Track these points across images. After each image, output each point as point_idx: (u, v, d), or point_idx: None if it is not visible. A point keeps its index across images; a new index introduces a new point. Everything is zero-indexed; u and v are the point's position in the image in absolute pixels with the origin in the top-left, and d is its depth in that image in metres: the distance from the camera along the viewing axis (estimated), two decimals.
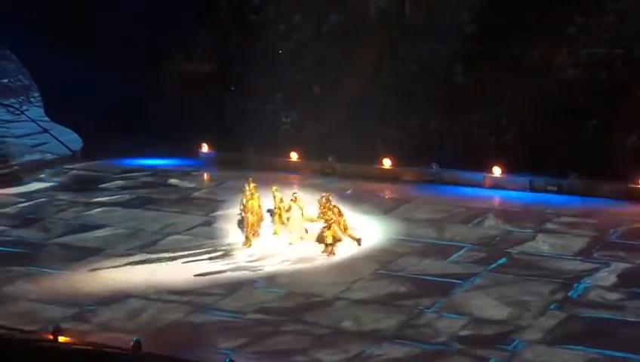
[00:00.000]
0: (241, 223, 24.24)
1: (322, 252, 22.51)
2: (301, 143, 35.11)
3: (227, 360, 13.30)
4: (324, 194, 23.69)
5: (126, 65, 36.10)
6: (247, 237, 23.39)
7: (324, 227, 22.74)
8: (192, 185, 31.99)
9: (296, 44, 39.55)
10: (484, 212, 26.70)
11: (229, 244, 23.57)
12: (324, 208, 22.91)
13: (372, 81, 37.06)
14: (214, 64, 39.75)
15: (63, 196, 29.77)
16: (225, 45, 39.08)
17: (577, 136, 32.05)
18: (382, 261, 21.94)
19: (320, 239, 22.87)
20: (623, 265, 21.45)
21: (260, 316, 18.40)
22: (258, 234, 23.71)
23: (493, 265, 21.60)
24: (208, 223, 25.86)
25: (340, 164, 33.41)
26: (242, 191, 24.38)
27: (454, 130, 33.91)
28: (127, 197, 29.72)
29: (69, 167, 34.89)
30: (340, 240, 22.70)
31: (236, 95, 38.26)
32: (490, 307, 18.82)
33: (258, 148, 35.12)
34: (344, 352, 16.41)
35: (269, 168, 34.07)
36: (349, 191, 28.48)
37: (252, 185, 24.35)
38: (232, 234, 24.40)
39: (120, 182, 32.11)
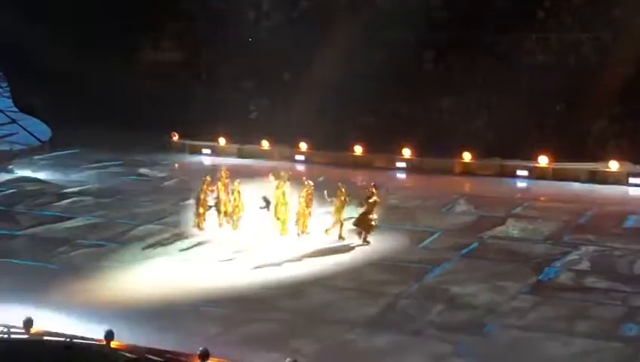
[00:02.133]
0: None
1: (364, 241, 21.99)
2: (272, 130, 35.07)
3: (200, 349, 13.23)
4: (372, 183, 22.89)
5: (94, 55, 35.93)
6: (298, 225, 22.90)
7: (367, 214, 22.02)
8: (162, 174, 31.83)
9: (266, 31, 39.49)
10: (456, 197, 26.80)
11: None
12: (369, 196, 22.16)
13: (343, 68, 37.01)
14: (183, 52, 39.61)
15: (32, 187, 29.48)
16: (194, 33, 38.94)
17: (547, 121, 32.30)
18: (357, 248, 21.95)
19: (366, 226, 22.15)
20: (592, 248, 21.63)
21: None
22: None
23: (466, 250, 21.70)
24: (179, 212, 25.73)
25: (312, 151, 33.40)
26: (203, 181, 23.97)
27: (425, 116, 34.02)
28: (96, 187, 29.51)
29: (38, 157, 34.59)
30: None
31: (206, 83, 38.16)
32: (463, 292, 18.88)
33: (229, 136, 35.07)
34: (319, 341, 16.41)
35: (240, 156, 34.13)
36: (321, 178, 28.36)
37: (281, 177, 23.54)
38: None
39: (90, 172, 31.89)
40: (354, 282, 19.62)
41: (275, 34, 38.54)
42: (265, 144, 34.37)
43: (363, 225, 21.95)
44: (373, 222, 21.96)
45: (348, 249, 21.82)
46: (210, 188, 23.75)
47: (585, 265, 20.51)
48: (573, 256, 21.06)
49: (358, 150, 32.81)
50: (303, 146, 33.52)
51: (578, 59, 34.09)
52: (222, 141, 35.10)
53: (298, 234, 22.67)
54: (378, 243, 22.08)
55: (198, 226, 23.63)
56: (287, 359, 12.46)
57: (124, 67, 37.01)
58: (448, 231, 23.32)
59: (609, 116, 31.57)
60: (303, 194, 22.64)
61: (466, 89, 34.27)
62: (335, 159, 32.65)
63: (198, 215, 23.73)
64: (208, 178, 23.93)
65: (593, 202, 26.34)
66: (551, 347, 16.14)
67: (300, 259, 21.25)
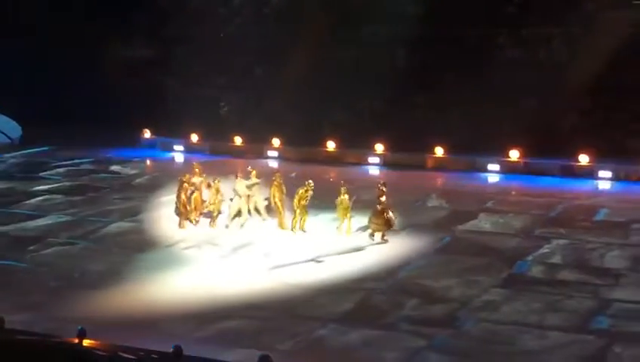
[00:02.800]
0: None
1: (383, 239, 21.68)
2: (245, 127, 34.99)
3: (173, 346, 13.16)
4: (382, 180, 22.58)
5: (65, 51, 35.65)
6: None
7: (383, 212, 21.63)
8: (134, 171, 31.67)
9: (237, 27, 39.34)
10: (428, 192, 26.89)
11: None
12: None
13: (315, 64, 37.02)
14: (154, 48, 39.36)
15: (1, 185, 29.22)
16: (165, 29, 38.70)
17: (519, 116, 32.47)
18: (329, 244, 21.95)
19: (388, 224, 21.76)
20: (563, 242, 21.79)
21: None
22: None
23: (439, 245, 21.77)
24: (151, 209, 25.62)
25: (285, 147, 33.35)
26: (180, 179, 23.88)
27: (398, 111, 34.07)
28: (68, 185, 29.30)
29: (8, 155, 34.27)
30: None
31: (178, 79, 37.97)
32: (436, 286, 18.96)
33: (201, 132, 34.96)
34: (292, 336, 16.40)
35: (212, 152, 34.03)
36: (293, 174, 28.37)
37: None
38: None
39: (60, 170, 31.65)
40: (325, 279, 19.61)
41: (246, 30, 38.41)
42: (237, 140, 34.27)
43: (383, 224, 21.53)
44: (392, 221, 21.61)
45: (318, 245, 21.82)
46: (189, 186, 23.52)
47: (556, 259, 20.67)
48: (544, 250, 21.21)
49: (331, 146, 32.83)
50: (276, 142, 33.47)
51: (549, 54, 34.29)
52: (194, 138, 34.97)
53: (293, 231, 22.66)
54: (350, 239, 22.11)
55: (179, 225, 23.44)
56: (259, 353, 12.42)
57: (94, 64, 36.77)
58: (421, 225, 23.40)
59: (580, 110, 31.78)
60: (300, 191, 22.48)
61: (437, 84, 34.34)
62: (308, 155, 32.67)
63: (180, 213, 23.52)
64: (187, 176, 23.75)
65: (564, 196, 26.56)
66: (524, 340, 16.23)
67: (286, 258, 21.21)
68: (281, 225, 23.04)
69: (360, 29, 36.37)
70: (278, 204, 23.11)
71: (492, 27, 35.94)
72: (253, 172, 23.75)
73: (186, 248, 21.86)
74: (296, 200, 22.56)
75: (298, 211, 22.58)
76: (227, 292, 18.79)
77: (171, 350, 13.15)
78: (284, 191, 23.27)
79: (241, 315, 17.45)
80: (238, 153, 33.75)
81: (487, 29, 35.85)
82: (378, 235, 21.79)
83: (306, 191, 22.45)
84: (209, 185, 23.72)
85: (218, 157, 33.01)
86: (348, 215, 22.22)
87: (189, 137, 34.97)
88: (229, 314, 17.48)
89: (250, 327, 16.81)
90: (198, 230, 23.17)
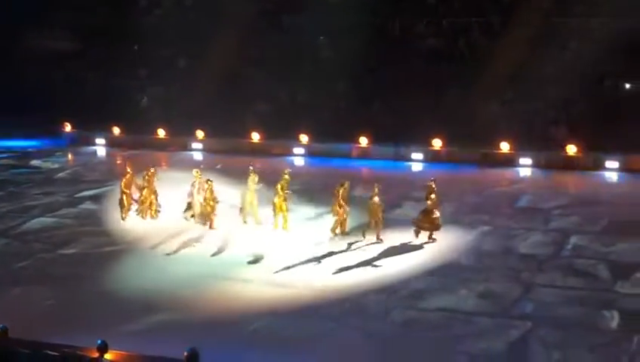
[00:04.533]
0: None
1: (429, 239, 21.03)
2: (168, 119, 34.62)
3: (99, 341, 12.97)
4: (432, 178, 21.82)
5: None
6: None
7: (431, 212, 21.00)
8: (55, 165, 31.04)
9: (158, 18, 38.89)
10: (354, 182, 26.83)
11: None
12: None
13: (239, 55, 36.83)
14: (76, 40, 38.65)
15: None
16: (86, 21, 38.05)
17: (440, 105, 32.84)
18: (260, 232, 21.97)
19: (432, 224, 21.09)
20: (487, 228, 22.16)
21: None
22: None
23: (361, 236, 21.67)
24: (74, 204, 25.20)
25: (209, 139, 33.05)
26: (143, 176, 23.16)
27: (322, 102, 34.12)
28: None
29: None
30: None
31: (98, 71, 37.38)
32: (359, 271, 19.24)
33: (123, 125, 34.38)
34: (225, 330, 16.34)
35: (134, 146, 33.44)
36: (218, 166, 28.22)
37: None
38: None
39: None
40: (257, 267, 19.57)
41: (168, 21, 38.03)
42: (161, 133, 33.84)
43: (428, 224, 20.93)
44: (438, 221, 21.00)
45: (249, 232, 21.73)
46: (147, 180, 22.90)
47: (480, 245, 21.01)
48: (469, 236, 21.52)
49: (256, 137, 32.66)
50: (200, 134, 33.15)
51: (469, 44, 34.77)
52: (116, 131, 34.40)
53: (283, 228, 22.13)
54: (279, 229, 22.09)
55: (122, 218, 23.04)
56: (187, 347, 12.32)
57: (11, 55, 35.99)
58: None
59: (500, 99, 32.29)
60: (279, 187, 21.87)
61: (360, 74, 34.52)
62: (232, 146, 32.41)
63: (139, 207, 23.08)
64: (152, 169, 23.15)
65: (486, 183, 26.93)
66: (452, 326, 16.49)
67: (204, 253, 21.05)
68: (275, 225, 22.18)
69: (282, 18, 36.36)
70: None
71: (414, 17, 36.35)
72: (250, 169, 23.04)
73: (113, 244, 21.59)
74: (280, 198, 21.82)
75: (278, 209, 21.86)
76: (154, 287, 18.61)
77: (97, 345, 12.96)
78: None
79: (169, 309, 17.30)
80: (161, 146, 33.30)
81: (409, 19, 36.23)
82: (425, 234, 20.88)
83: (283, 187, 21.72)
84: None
85: (141, 151, 32.54)
86: (380, 216, 21.10)
87: (111, 130, 34.37)
88: (158, 309, 17.32)
89: (178, 321, 16.68)
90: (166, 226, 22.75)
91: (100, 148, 34.17)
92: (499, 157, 30.00)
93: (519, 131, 30.98)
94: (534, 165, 29.38)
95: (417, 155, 30.69)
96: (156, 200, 23.21)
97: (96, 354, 12.83)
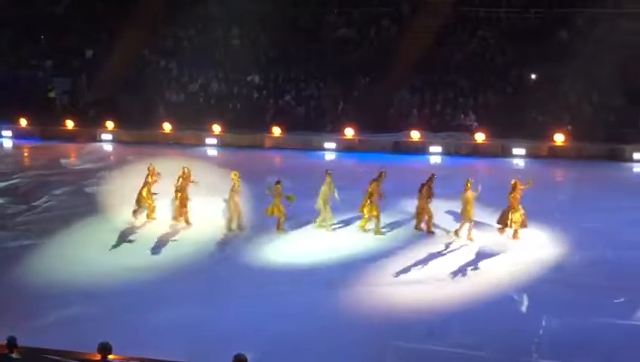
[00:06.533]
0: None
1: (514, 237, 20.29)
2: (77, 110, 34.02)
3: (7, 337, 12.68)
4: (519, 176, 20.98)
5: None
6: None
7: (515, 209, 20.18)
8: None
9: (66, 8, 38.16)
10: (266, 172, 26.80)
11: None
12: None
13: (149, 45, 36.43)
14: None
15: None
16: None
17: (352, 93, 33.09)
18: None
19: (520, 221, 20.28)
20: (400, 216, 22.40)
21: None
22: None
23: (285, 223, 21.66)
24: None
25: (119, 130, 32.57)
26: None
27: (234, 92, 34.01)
28: None
29: None
30: None
31: (4, 62, 36.53)
32: (285, 255, 19.50)
33: (31, 116, 33.57)
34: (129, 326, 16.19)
35: (43, 137, 32.73)
36: (130, 157, 27.85)
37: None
38: None
39: None
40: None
41: (75, 10, 37.38)
42: (69, 124, 33.21)
43: (516, 222, 20.17)
44: (523, 217, 20.20)
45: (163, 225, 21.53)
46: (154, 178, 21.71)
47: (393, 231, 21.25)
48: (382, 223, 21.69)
49: (167, 127, 32.32)
50: (110, 125, 32.64)
51: (379, 32, 35.11)
52: (22, 122, 33.59)
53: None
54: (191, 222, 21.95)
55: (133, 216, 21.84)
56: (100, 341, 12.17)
57: None
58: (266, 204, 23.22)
59: (410, 87, 32.70)
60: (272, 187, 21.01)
61: (272, 64, 34.55)
62: (143, 137, 32.05)
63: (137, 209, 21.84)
64: (186, 169, 21.69)
65: (398, 171, 27.11)
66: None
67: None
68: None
69: (194, 8, 36.06)
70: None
71: (325, 7, 36.51)
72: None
73: (19, 239, 21.14)
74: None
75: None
76: (67, 282, 18.30)
77: (5, 341, 12.70)
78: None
79: (81, 304, 17.05)
80: (69, 137, 32.68)
81: (319, 8, 36.37)
82: (510, 231, 20.28)
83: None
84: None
85: (48, 142, 31.88)
86: (470, 214, 20.18)
87: (18, 121, 33.54)
88: (69, 304, 17.05)
89: (89, 316, 16.45)
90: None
91: (5, 140, 33.28)
92: (409, 144, 30.39)
93: (430, 119, 31.49)
94: (444, 152, 29.89)
95: (330, 145, 30.82)
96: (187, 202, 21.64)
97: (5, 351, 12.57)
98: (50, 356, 12.44)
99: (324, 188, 20.97)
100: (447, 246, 20.16)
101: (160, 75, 34.91)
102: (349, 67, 33.55)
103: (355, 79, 33.36)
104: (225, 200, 21.22)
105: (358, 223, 21.18)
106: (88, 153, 29.95)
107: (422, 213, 20.78)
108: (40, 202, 23.70)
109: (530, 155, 29.12)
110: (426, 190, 20.63)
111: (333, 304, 17.04)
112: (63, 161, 29.01)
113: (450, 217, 21.65)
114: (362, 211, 20.89)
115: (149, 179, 21.65)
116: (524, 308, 16.90)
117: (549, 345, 15.29)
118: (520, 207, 20.17)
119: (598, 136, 29.30)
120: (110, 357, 11.94)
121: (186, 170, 21.54)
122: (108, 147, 31.74)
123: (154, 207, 21.80)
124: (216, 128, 31.79)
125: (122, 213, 22.13)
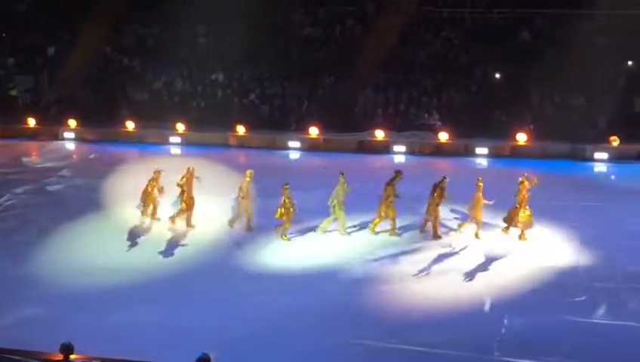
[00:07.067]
0: None
1: (520, 238, 20.28)
2: (39, 108, 33.65)
3: None
4: (525, 174, 20.70)
5: None
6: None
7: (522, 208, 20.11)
8: None
9: (28, 5, 37.76)
10: (233, 170, 26.69)
11: None
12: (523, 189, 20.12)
13: (112, 43, 36.15)
14: None
15: None
16: None
17: (317, 92, 33.10)
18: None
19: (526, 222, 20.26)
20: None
21: None
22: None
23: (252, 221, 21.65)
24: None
25: (82, 128, 32.24)
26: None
27: (199, 90, 33.84)
28: None
29: None
30: None
31: None
32: (260, 256, 19.65)
33: None
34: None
35: (3, 136, 32.29)
36: (92, 156, 27.64)
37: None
38: None
39: None
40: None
41: (38, 8, 37.01)
42: (31, 122, 32.81)
43: (522, 222, 20.19)
44: (530, 218, 20.23)
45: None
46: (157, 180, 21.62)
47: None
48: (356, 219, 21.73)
49: (131, 126, 32.06)
50: (72, 123, 32.29)
51: (344, 31, 35.16)
52: None
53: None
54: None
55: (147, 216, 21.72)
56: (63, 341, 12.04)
57: None
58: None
59: (374, 86, 32.77)
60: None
61: (237, 63, 34.44)
62: (106, 135, 31.78)
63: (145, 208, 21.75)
64: (190, 168, 21.60)
65: (363, 171, 27.18)
66: None
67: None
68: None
69: (160, 6, 35.79)
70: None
71: (289, 6, 36.44)
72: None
73: None
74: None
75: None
76: (29, 281, 18.13)
77: None
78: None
79: (42, 304, 16.90)
80: (31, 135, 32.29)
81: (285, 7, 36.29)
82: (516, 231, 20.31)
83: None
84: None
85: (10, 140, 31.50)
86: (480, 216, 20.31)
87: None
88: (29, 303, 16.90)
89: (50, 316, 16.31)
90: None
91: None
92: (373, 144, 30.45)
93: (394, 118, 31.57)
94: (408, 152, 29.97)
95: (294, 143, 30.78)
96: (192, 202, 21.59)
97: None
98: (10, 356, 12.19)
99: (338, 189, 20.80)
100: (414, 245, 20.39)
101: (123, 73, 34.66)
102: (314, 66, 33.56)
103: (320, 78, 33.37)
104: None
105: (369, 225, 21.05)
106: (50, 151, 29.67)
107: (431, 214, 20.66)
108: (1, 201, 23.45)
109: (492, 155, 29.31)
110: (438, 192, 20.51)
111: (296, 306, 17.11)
112: (24, 159, 28.73)
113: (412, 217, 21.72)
114: (379, 212, 20.81)
115: (152, 184, 21.52)
116: (487, 308, 17.06)
117: (514, 344, 15.43)
118: (527, 207, 20.20)
119: (560, 136, 29.55)
120: (72, 356, 11.69)
121: (190, 168, 21.41)
122: (70, 145, 31.45)
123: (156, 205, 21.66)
124: (181, 127, 31.60)
125: (85, 212, 22.00)
